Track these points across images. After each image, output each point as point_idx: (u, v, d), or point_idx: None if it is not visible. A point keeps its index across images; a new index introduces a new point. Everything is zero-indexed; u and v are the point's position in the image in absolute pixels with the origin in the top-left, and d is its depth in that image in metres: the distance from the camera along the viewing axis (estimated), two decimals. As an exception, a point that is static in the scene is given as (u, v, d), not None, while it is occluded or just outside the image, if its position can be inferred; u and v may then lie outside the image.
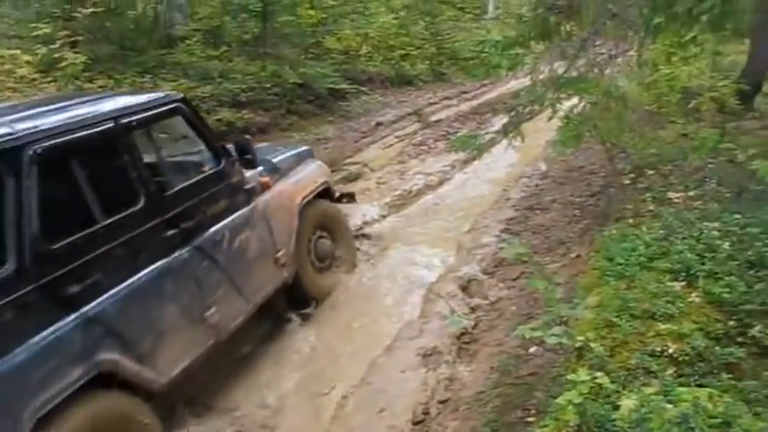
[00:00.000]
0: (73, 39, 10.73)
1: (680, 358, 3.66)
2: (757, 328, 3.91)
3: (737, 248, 4.65)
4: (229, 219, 4.91)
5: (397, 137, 12.83)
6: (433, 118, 14.25)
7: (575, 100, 6.15)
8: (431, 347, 5.21)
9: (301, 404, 4.92)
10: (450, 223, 8.35)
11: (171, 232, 4.31)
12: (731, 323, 3.99)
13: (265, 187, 5.47)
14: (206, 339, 4.53)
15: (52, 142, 3.58)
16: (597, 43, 6.07)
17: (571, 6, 5.67)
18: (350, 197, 7.19)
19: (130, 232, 4.00)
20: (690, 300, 4.18)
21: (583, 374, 3.29)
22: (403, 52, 17.75)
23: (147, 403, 3.94)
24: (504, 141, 6.49)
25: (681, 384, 3.33)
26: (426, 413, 4.56)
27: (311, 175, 6.30)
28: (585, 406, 3.13)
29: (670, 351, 3.71)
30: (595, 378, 3.27)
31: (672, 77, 9.46)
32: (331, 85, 14.37)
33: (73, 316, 3.53)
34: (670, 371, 3.58)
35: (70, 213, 3.74)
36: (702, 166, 6.87)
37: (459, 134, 9.69)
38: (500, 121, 8.29)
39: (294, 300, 5.92)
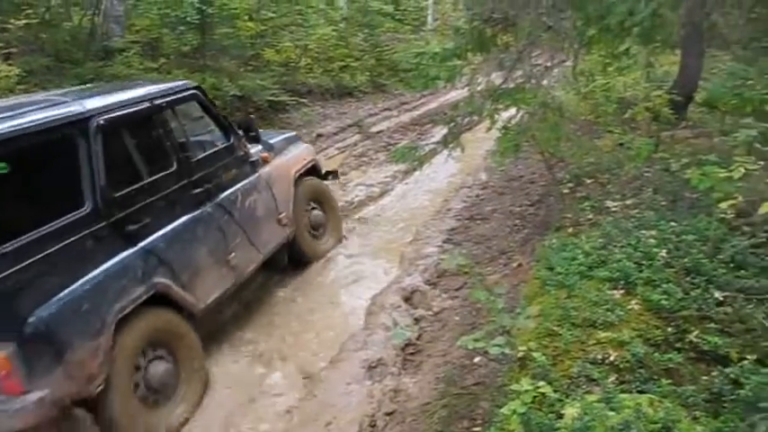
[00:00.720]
0: (6, 51, 10.46)
1: (621, 365, 3.70)
2: (694, 333, 3.97)
3: (674, 256, 4.73)
4: (240, 184, 6.08)
5: (338, 148, 12.82)
6: (374, 129, 14.28)
7: (513, 110, 6.21)
8: (376, 359, 5.19)
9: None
10: (392, 234, 8.36)
11: (197, 191, 5.45)
12: (669, 329, 4.05)
13: (265, 161, 6.63)
14: (229, 279, 5.69)
15: (110, 116, 4.70)
16: (534, 54, 6.14)
17: (507, 19, 5.73)
18: (333, 174, 8.15)
19: (168, 188, 5.15)
20: (629, 307, 4.23)
21: (526, 384, 3.31)
22: (342, 64, 17.75)
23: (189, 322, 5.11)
24: (445, 152, 6.53)
25: (622, 391, 3.36)
26: (373, 425, 4.55)
27: (301, 153, 7.46)
28: (529, 415, 3.14)
29: (611, 358, 3.74)
30: (538, 387, 3.29)
31: (607, 88, 9.65)
32: (271, 98, 14.31)
33: (134, 248, 4.66)
34: (611, 378, 3.61)
35: (125, 171, 4.84)
36: (639, 174, 6.98)
37: (399, 145, 9.70)
38: (440, 131, 8.36)
39: (294, 260, 7.13)
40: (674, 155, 6.88)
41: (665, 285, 4.35)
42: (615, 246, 5.05)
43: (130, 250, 4.61)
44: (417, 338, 5.58)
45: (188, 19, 13.22)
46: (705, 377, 3.70)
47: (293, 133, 8.00)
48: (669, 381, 3.55)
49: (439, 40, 18.59)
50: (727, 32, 5.10)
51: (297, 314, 6.39)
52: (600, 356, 3.77)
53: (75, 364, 4.06)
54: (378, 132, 13.99)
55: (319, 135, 13.52)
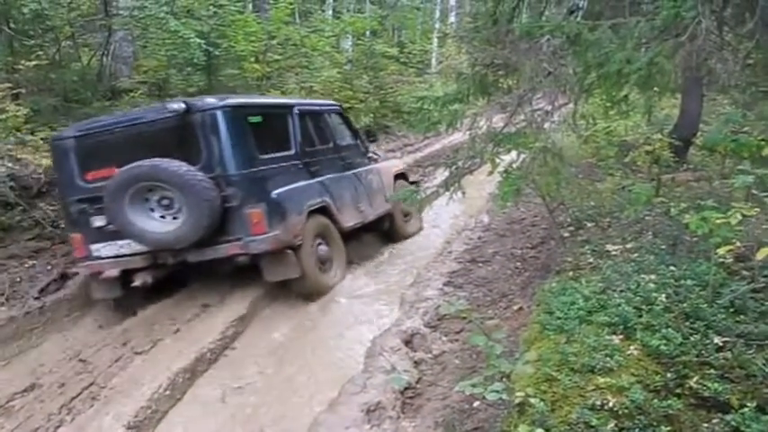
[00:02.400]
0: (16, 91, 10.57)
1: (620, 411, 3.67)
2: (694, 379, 3.94)
3: (673, 300, 4.72)
4: (363, 167, 9.60)
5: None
6: (378, 170, 14.30)
7: (514, 154, 6.25)
8: (375, 402, 5.13)
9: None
10: (392, 276, 8.37)
11: (342, 162, 8.99)
12: (669, 375, 4.01)
13: (376, 161, 10.20)
14: (359, 218, 8.89)
15: (301, 109, 8.35)
16: (537, 97, 6.19)
17: (508, 65, 5.80)
18: (417, 184, 10.70)
19: (328, 155, 8.71)
20: (628, 353, 4.20)
21: (524, 430, 3.29)
22: (347, 105, 17.86)
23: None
24: (446, 194, 6.57)
25: (621, 438, 3.34)
26: (372, 471, 4.51)
27: (397, 163, 11.49)
28: (528, 462, 3.13)
29: (610, 404, 3.71)
30: (536, 434, 3.28)
31: (609, 131, 9.73)
32: (277, 138, 14.36)
33: (314, 179, 8.00)
34: (611, 425, 3.57)
35: (308, 138, 8.34)
36: (640, 218, 7.00)
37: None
38: (443, 173, 8.42)
39: (389, 234, 10.08)
40: (673, 198, 6.91)
41: (664, 330, 4.32)
42: (615, 290, 5.05)
43: (312, 180, 7.97)
44: (417, 382, 5.54)
45: (195, 60, 13.37)
46: (706, 424, 3.67)
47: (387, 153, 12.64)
48: (669, 428, 3.52)
49: (443, 82, 18.81)
50: (725, 78, 5.13)
51: (293, 356, 6.39)
52: (599, 402, 3.73)
53: (289, 224, 7.16)
54: (381, 174, 14.03)
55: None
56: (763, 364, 3.94)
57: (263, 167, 7.02)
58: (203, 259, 7.01)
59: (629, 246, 6.26)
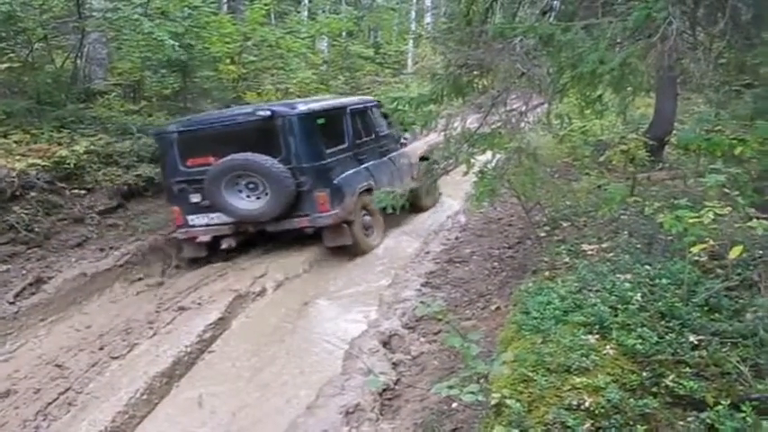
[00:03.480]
0: (-13, 93, 10.46)
1: (596, 411, 3.67)
2: (670, 377, 3.96)
3: (648, 299, 4.73)
4: (396, 152, 11.22)
5: (319, 190, 12.84)
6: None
7: (489, 155, 6.26)
8: (353, 405, 5.12)
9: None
10: (370, 277, 8.35)
11: (380, 150, 10.67)
12: (645, 374, 4.03)
13: (404, 145, 11.69)
14: None
15: (353, 108, 10.17)
16: (512, 98, 6.19)
17: (482, 66, 5.79)
18: (428, 159, 11.40)
19: (372, 145, 10.38)
20: (604, 352, 4.21)
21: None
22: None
23: None
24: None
25: (598, 438, 3.34)
26: (350, 473, 4.49)
27: (420, 145, 12.33)
28: (504, 464, 3.12)
29: (586, 404, 3.71)
30: (513, 435, 3.27)
31: (584, 131, 9.76)
32: (251, 140, 14.32)
33: (362, 166, 9.86)
34: (587, 424, 3.58)
35: (358, 132, 10.06)
36: (616, 217, 7.03)
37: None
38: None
39: (414, 206, 10.87)
40: (648, 197, 6.94)
41: (639, 330, 4.34)
42: (590, 290, 5.07)
43: (360, 167, 9.82)
44: (395, 383, 5.53)
45: (169, 62, 13.28)
46: (681, 422, 3.69)
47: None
48: (645, 427, 3.53)
49: (419, 83, 18.81)
50: (699, 77, 5.16)
51: (271, 359, 6.37)
52: (575, 402, 3.74)
53: (346, 204, 9.03)
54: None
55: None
56: (738, 362, 3.96)
57: (327, 160, 8.97)
58: (279, 229, 9.07)
59: (604, 245, 6.29)
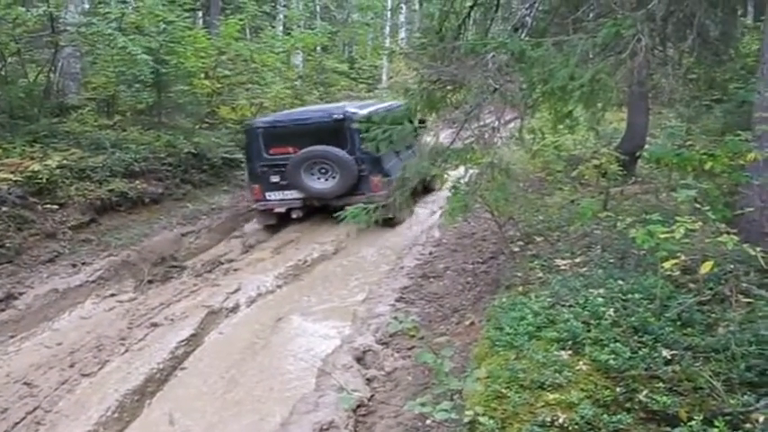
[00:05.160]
0: (-41, 108, 10.34)
1: (570, 428, 3.66)
2: (643, 393, 3.95)
3: (621, 314, 4.74)
4: (416, 145, 11.71)
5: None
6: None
7: (462, 170, 6.26)
8: (327, 421, 5.06)
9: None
10: (344, 293, 8.32)
11: (407, 143, 11.33)
12: (618, 389, 4.03)
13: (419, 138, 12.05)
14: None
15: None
16: (485, 112, 6.20)
17: (455, 81, 5.80)
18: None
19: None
20: (577, 368, 4.21)
21: (474, 450, 3.27)
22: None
23: None
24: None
25: (570, 455, 3.33)
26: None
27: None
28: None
29: (560, 421, 3.70)
30: (486, 453, 3.25)
31: (557, 145, 9.80)
32: (225, 155, 14.40)
33: (398, 157, 11.24)
34: (560, 441, 3.58)
35: None
36: (589, 232, 7.06)
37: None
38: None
39: (426, 189, 12.39)
40: (621, 212, 6.97)
41: (612, 345, 4.34)
42: (563, 305, 5.07)
43: (397, 158, 11.03)
44: (369, 399, 5.49)
45: (143, 77, 13.22)
46: (655, 438, 3.70)
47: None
48: (619, 443, 3.53)
49: (393, 97, 18.85)
50: (670, 92, 5.21)
51: (244, 376, 6.31)
52: (549, 419, 3.73)
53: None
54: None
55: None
56: (710, 377, 3.97)
57: (379, 152, 9.80)
58: (340, 204, 9.10)
59: (577, 260, 6.30)
